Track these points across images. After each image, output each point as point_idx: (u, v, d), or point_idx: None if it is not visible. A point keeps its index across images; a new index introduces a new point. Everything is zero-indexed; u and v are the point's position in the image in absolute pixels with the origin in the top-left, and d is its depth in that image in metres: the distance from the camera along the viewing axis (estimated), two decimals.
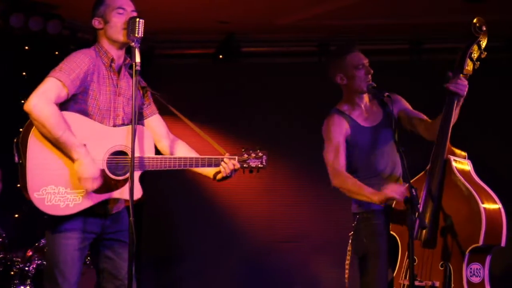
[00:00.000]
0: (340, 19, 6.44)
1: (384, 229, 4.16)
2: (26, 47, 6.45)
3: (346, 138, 4.28)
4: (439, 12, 6.22)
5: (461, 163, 4.03)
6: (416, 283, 3.77)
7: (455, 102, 4.01)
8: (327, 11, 6.21)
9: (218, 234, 6.94)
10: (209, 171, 3.75)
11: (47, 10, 6.16)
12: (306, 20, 6.45)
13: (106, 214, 3.62)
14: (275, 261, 6.84)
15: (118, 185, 3.55)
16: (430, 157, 4.01)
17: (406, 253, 3.91)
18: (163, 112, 3.88)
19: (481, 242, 3.78)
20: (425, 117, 4.29)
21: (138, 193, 3.50)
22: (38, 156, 3.44)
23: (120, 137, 3.58)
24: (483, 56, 4.03)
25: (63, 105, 3.50)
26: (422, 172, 4.03)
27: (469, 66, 4.01)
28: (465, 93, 4.00)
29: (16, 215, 5.97)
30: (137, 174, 3.54)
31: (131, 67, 3.52)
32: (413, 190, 3.69)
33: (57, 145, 3.44)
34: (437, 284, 3.87)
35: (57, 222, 3.51)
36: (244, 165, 3.72)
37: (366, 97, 4.39)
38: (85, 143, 3.49)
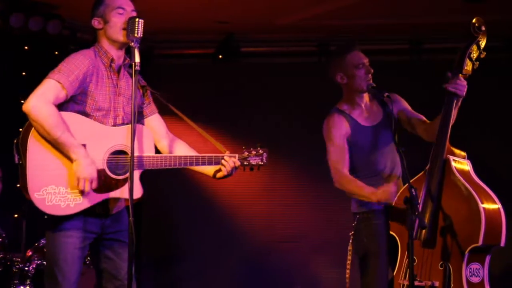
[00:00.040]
0: (340, 19, 6.44)
1: (384, 229, 4.16)
2: (26, 47, 6.45)
3: (346, 138, 4.28)
4: (439, 12, 6.22)
5: (461, 163, 4.03)
6: (416, 283, 3.77)
7: (454, 102, 4.00)
8: (327, 11, 6.21)
9: (218, 234, 6.94)
10: (209, 170, 3.74)
11: (47, 10, 6.16)
12: (305, 20, 6.45)
13: (107, 214, 3.62)
14: (275, 261, 6.84)
15: (118, 184, 3.55)
16: (430, 157, 4.01)
17: (406, 253, 3.91)
18: (163, 112, 3.88)
19: (480, 242, 3.78)
20: (424, 118, 4.30)
21: (138, 192, 3.51)
22: (38, 156, 3.44)
23: (120, 137, 3.58)
24: (482, 56, 4.03)
25: (63, 106, 3.51)
26: (422, 172, 4.03)
27: (468, 66, 4.01)
28: (464, 93, 4.00)
29: (16, 215, 5.97)
30: (137, 173, 3.54)
31: (130, 66, 3.52)
32: (413, 190, 3.69)
33: (56, 145, 3.44)
34: (437, 284, 3.87)
35: (58, 221, 3.52)
36: (245, 163, 3.72)
37: (366, 97, 4.39)
38: (85, 143, 3.49)
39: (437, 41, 6.71)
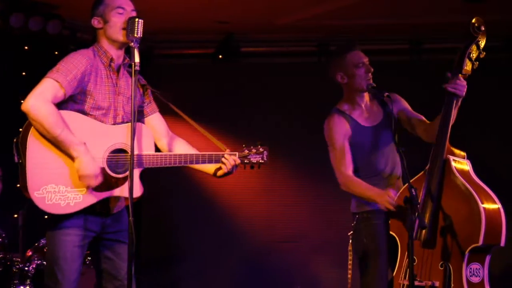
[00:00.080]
0: (340, 19, 6.44)
1: (384, 229, 4.16)
2: (26, 47, 6.45)
3: (347, 139, 4.28)
4: (439, 12, 6.22)
5: (460, 163, 4.03)
6: (416, 283, 3.77)
7: (454, 102, 4.00)
8: (327, 11, 6.22)
9: (218, 234, 6.94)
10: (209, 168, 3.75)
11: (47, 10, 6.16)
12: (305, 20, 6.45)
13: (108, 213, 3.62)
14: (275, 261, 6.84)
15: (118, 183, 3.55)
16: (430, 157, 4.00)
17: (406, 253, 3.91)
18: (163, 111, 3.88)
19: (481, 242, 3.78)
20: (424, 118, 4.30)
21: (138, 191, 3.51)
22: (37, 155, 3.44)
23: (119, 135, 3.58)
24: (482, 56, 4.03)
25: (62, 105, 3.51)
26: (422, 172, 4.03)
27: (468, 66, 4.01)
28: (464, 93, 4.00)
29: (16, 215, 5.97)
30: (137, 172, 3.54)
31: (130, 66, 3.52)
32: (413, 190, 3.69)
33: (56, 143, 3.44)
34: (437, 284, 3.87)
35: (58, 220, 3.51)
36: (245, 161, 3.72)
37: (366, 96, 4.38)
38: (85, 141, 3.49)
39: (437, 41, 6.71)
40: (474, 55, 4.01)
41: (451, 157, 3.99)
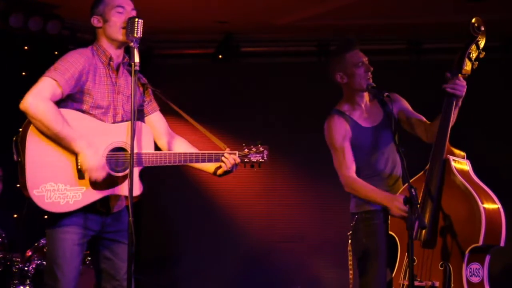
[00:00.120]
0: (340, 19, 6.44)
1: (383, 229, 4.16)
2: (26, 47, 6.45)
3: (347, 139, 4.27)
4: (439, 12, 6.22)
5: (460, 163, 4.02)
6: (416, 283, 3.77)
7: (454, 102, 4.00)
8: (327, 11, 6.22)
9: (217, 234, 6.94)
10: (209, 167, 3.75)
11: (47, 10, 6.17)
12: (305, 20, 6.45)
13: (108, 212, 3.62)
14: (275, 261, 6.84)
15: (118, 181, 3.55)
16: (430, 157, 4.00)
17: (406, 253, 3.91)
18: (163, 111, 3.88)
19: (481, 242, 3.78)
20: (424, 118, 4.29)
21: (138, 189, 3.51)
22: (36, 153, 3.44)
23: (119, 134, 3.58)
24: (481, 56, 4.03)
25: (61, 104, 3.50)
26: (422, 172, 4.03)
27: (467, 66, 4.01)
28: (464, 93, 3.99)
29: (16, 215, 5.97)
30: (136, 170, 3.53)
31: (130, 65, 3.52)
32: (413, 190, 3.68)
33: (57, 140, 3.43)
34: (437, 284, 3.86)
35: (57, 218, 3.51)
36: (245, 160, 3.72)
37: (366, 97, 4.38)
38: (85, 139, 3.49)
39: (437, 41, 6.71)
40: (473, 55, 4.01)
41: (451, 157, 3.99)
